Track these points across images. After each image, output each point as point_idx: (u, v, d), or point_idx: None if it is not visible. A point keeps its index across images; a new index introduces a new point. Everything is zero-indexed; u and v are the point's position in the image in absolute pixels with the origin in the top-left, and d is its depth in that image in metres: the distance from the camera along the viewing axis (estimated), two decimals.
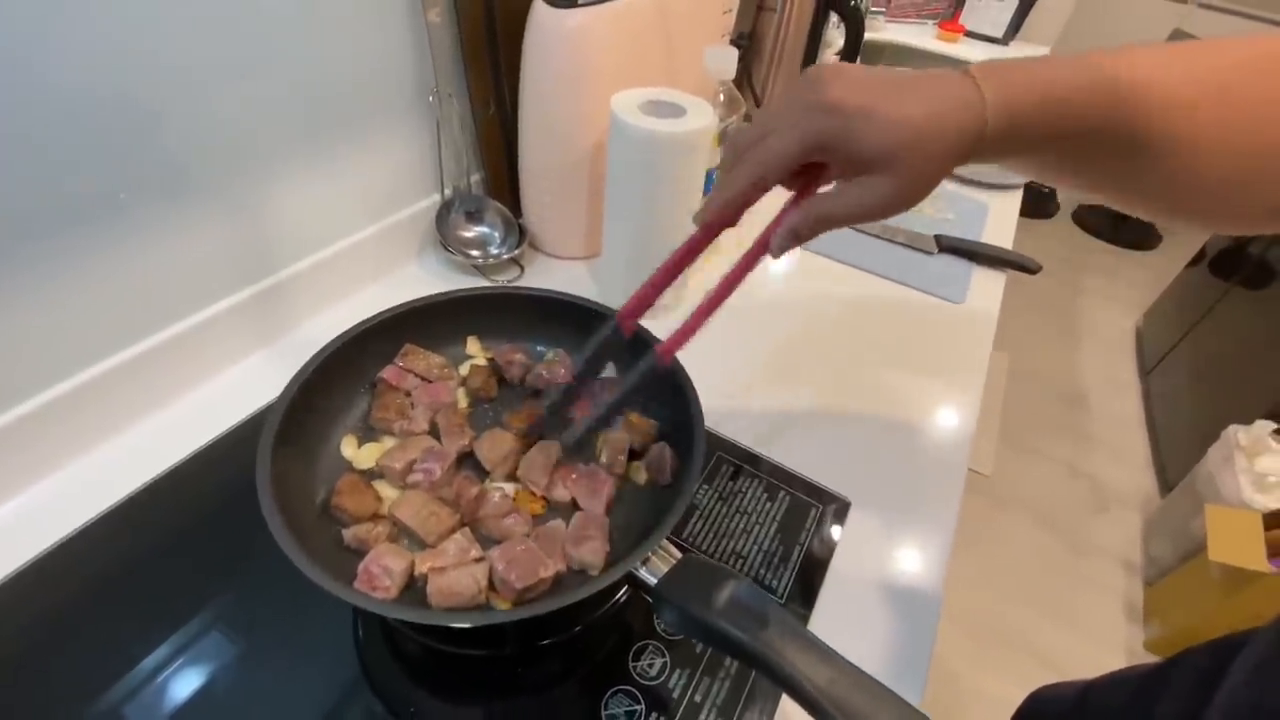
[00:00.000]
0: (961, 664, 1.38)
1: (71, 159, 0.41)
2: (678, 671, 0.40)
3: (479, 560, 0.36)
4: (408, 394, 0.46)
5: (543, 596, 0.36)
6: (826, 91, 0.30)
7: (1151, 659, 1.41)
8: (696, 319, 0.36)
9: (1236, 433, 1.42)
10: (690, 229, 0.36)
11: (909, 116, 0.30)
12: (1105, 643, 1.46)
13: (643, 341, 0.47)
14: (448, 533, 0.38)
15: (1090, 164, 0.33)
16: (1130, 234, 2.96)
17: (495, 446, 0.43)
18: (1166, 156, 0.31)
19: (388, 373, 0.46)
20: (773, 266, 0.79)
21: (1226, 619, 1.22)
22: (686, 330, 0.37)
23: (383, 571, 0.34)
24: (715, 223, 0.35)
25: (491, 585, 0.36)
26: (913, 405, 0.62)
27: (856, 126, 0.30)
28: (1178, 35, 2.59)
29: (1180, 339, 2.00)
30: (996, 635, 1.45)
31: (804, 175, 0.34)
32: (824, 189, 0.34)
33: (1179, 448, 1.76)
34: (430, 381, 0.47)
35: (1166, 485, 1.76)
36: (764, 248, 0.34)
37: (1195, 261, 2.16)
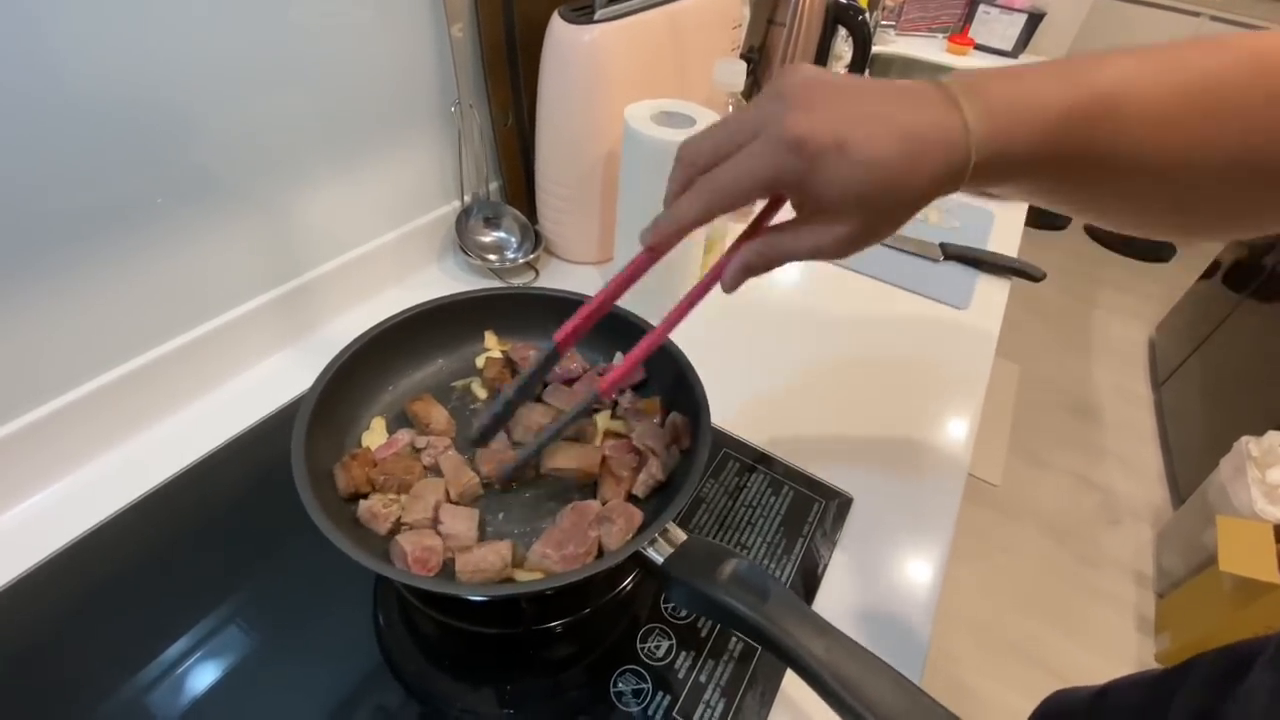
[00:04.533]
0: (971, 675, 1.38)
1: (110, 166, 0.44)
2: (683, 653, 0.42)
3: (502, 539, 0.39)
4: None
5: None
6: (794, 121, 0.27)
7: None
8: (638, 356, 0.37)
9: (1248, 444, 1.41)
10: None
11: (881, 158, 0.27)
12: (1116, 655, 1.45)
13: (638, 329, 0.49)
14: (471, 485, 0.41)
15: (1084, 188, 0.31)
16: (1143, 246, 2.95)
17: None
18: (1163, 171, 0.29)
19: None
20: (779, 274, 0.81)
21: (1238, 630, 1.22)
22: (629, 366, 0.37)
23: (427, 553, 0.37)
24: (662, 246, 0.33)
25: (515, 561, 0.38)
26: (916, 407, 0.64)
27: (823, 169, 0.27)
28: None
29: (1192, 351, 1.99)
30: (1007, 646, 1.44)
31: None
32: (779, 221, 0.33)
33: (1191, 459, 1.75)
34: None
35: (1179, 497, 1.75)
36: (715, 280, 0.34)
37: (1208, 274, 2.15)
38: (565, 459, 0.44)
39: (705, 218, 0.31)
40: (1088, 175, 0.30)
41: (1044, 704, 0.48)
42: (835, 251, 0.30)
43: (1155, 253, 2.94)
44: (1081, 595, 1.57)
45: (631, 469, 0.44)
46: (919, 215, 0.96)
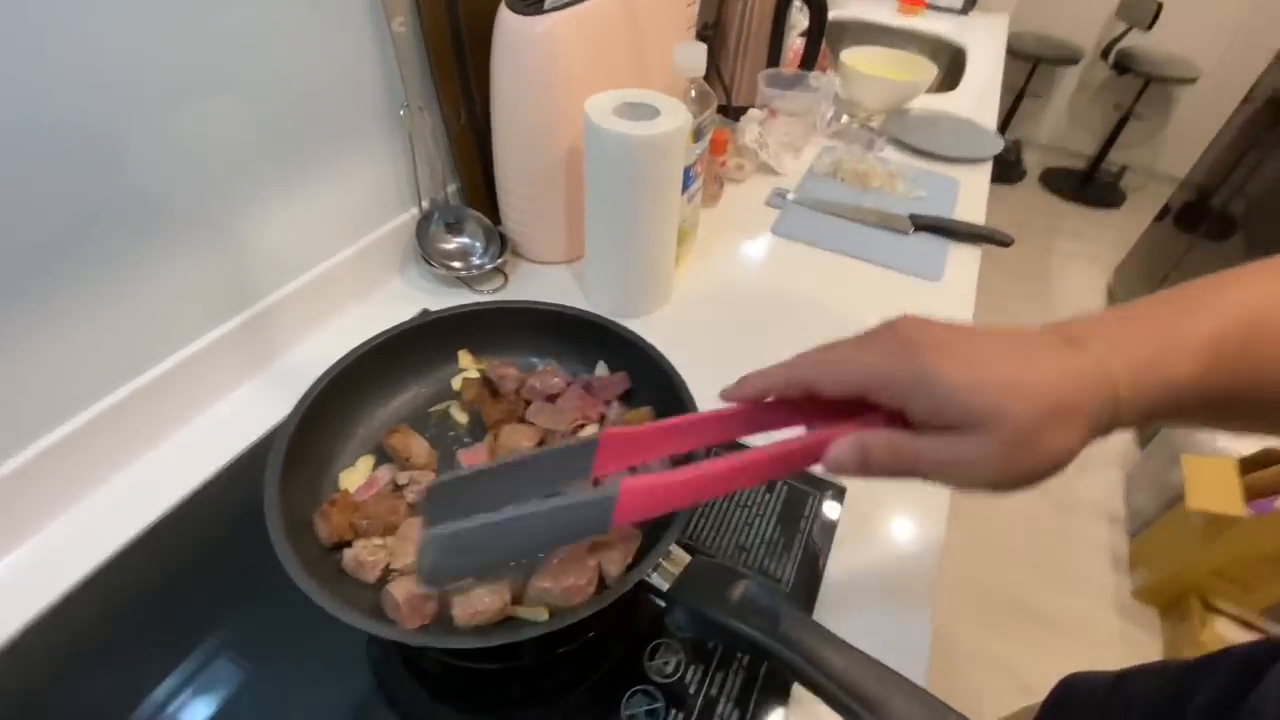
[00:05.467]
0: (958, 628, 1.42)
1: (33, 202, 0.40)
2: (693, 667, 0.41)
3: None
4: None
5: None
6: (909, 334, 0.27)
7: (1140, 608, 1.47)
8: (678, 494, 0.30)
9: None
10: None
11: (1000, 375, 0.26)
12: (1095, 595, 1.50)
13: (621, 339, 0.47)
14: None
15: (1248, 410, 0.30)
16: (1096, 193, 3.01)
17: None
18: None
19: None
20: (750, 252, 0.80)
21: (1209, 562, 1.27)
22: (657, 500, 0.30)
23: (421, 601, 0.35)
24: (744, 405, 0.32)
25: (514, 598, 0.36)
26: None
27: (939, 376, 0.26)
28: None
29: (1150, 293, 2.05)
30: (990, 597, 1.49)
31: (856, 412, 0.29)
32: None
33: None
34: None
35: (1144, 437, 1.81)
36: (815, 453, 0.29)
37: (1160, 217, 2.20)
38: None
39: (800, 386, 0.29)
40: (1250, 396, 0.29)
41: (1059, 687, 0.48)
42: (971, 474, 0.26)
43: (1108, 199, 3.01)
44: (1058, 540, 1.62)
45: None
46: (885, 187, 0.93)
